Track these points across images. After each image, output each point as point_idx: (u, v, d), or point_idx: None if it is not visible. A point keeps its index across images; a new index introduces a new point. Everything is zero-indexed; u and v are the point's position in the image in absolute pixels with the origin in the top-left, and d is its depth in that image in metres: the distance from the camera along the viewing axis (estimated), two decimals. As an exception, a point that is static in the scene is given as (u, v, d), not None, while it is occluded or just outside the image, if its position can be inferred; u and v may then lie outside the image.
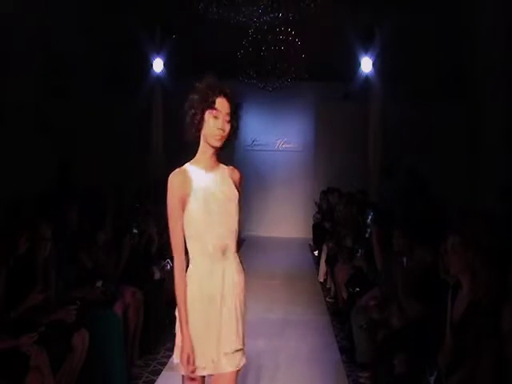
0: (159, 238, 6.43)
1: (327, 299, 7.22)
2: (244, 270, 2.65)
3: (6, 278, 3.36)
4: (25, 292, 3.43)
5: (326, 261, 7.74)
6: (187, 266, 2.56)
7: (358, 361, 4.70)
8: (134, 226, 5.33)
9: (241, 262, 2.63)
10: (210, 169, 2.70)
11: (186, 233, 2.54)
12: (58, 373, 3.35)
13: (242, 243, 11.73)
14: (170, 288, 6.23)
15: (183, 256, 2.56)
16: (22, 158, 7.50)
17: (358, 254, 5.92)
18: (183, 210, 2.56)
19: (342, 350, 5.15)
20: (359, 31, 10.85)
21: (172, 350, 5.13)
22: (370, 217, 5.34)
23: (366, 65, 11.18)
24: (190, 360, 2.45)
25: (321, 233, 9.86)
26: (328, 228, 9.38)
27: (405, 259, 4.11)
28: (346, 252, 6.90)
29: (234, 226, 2.57)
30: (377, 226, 5.13)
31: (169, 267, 6.09)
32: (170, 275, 6.18)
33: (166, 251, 6.65)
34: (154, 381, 4.44)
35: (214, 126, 2.57)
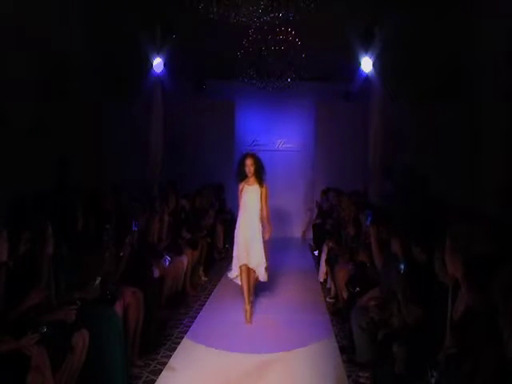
0: (159, 233, 6.53)
1: (327, 299, 7.22)
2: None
3: (6, 277, 3.36)
4: (25, 292, 3.42)
5: (326, 261, 7.73)
6: None
7: (358, 361, 4.70)
8: (135, 226, 5.33)
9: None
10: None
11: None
12: (57, 373, 3.35)
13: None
14: (170, 286, 6.28)
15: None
16: (22, 157, 7.50)
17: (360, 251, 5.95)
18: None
19: (342, 350, 5.15)
20: (359, 31, 10.85)
21: (172, 349, 5.18)
22: (369, 218, 5.34)
23: (366, 65, 11.19)
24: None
25: (321, 233, 9.87)
26: (328, 228, 9.39)
27: (402, 260, 4.11)
28: (346, 252, 6.91)
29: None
30: (376, 226, 5.12)
31: (167, 263, 6.10)
32: (168, 272, 6.20)
33: (165, 249, 6.70)
34: (154, 381, 4.44)
35: None
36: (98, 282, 4.29)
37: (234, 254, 6.25)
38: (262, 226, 6.13)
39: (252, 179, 5.98)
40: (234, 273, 6.33)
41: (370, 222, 5.30)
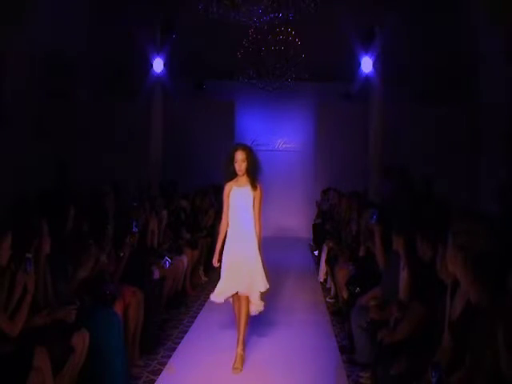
0: (157, 232, 6.53)
1: (327, 299, 7.22)
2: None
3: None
4: (26, 291, 3.42)
5: (326, 261, 7.74)
6: None
7: (358, 361, 4.69)
8: (135, 227, 5.33)
9: None
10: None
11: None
12: (58, 374, 3.34)
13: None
14: (171, 286, 6.27)
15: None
16: (21, 157, 7.51)
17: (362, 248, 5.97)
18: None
19: (342, 350, 5.15)
20: (359, 31, 10.86)
21: (172, 349, 5.16)
22: (374, 217, 5.27)
23: (366, 65, 11.19)
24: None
25: (321, 233, 9.87)
26: (328, 228, 9.39)
27: (403, 259, 4.11)
28: (346, 252, 6.91)
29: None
30: (381, 225, 5.10)
31: (167, 264, 6.08)
32: (168, 272, 6.20)
33: (165, 249, 6.70)
34: (154, 381, 4.43)
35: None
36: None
37: (222, 277, 4.91)
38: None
39: (243, 179, 4.69)
40: (216, 297, 4.95)
41: (375, 220, 5.25)
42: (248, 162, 4.59)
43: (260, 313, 5.02)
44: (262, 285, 4.83)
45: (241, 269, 4.75)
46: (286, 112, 13.45)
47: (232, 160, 4.61)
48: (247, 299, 4.81)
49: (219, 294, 4.89)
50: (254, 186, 4.66)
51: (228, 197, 4.71)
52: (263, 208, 4.89)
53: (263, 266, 4.84)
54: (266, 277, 4.87)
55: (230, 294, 4.85)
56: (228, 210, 4.76)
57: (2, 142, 7.16)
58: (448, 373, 2.68)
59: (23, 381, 3.02)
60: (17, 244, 3.34)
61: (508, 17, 8.31)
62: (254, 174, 4.65)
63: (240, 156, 4.58)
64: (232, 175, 4.68)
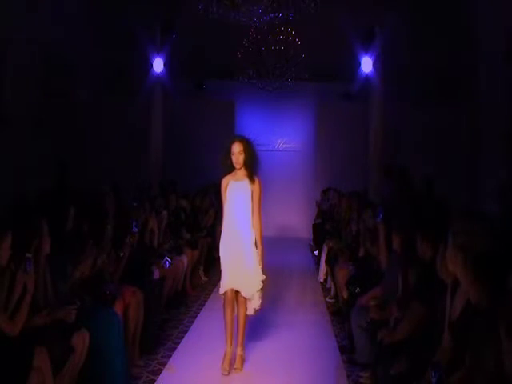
0: (158, 232, 6.52)
1: (327, 299, 7.22)
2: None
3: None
4: (26, 291, 3.42)
5: (326, 261, 7.74)
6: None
7: (358, 361, 4.69)
8: (135, 227, 5.33)
9: None
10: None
11: None
12: (58, 375, 3.34)
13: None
14: (171, 286, 6.26)
15: None
16: (21, 157, 7.51)
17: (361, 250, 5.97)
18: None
19: (342, 350, 5.14)
20: (359, 31, 10.87)
21: (172, 349, 5.16)
22: (380, 215, 5.25)
23: (366, 65, 11.20)
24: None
25: (321, 233, 9.87)
26: (328, 228, 9.39)
27: (404, 259, 4.11)
28: (346, 252, 6.91)
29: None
30: (386, 224, 5.08)
31: (167, 264, 6.08)
32: (168, 272, 6.20)
33: (165, 250, 6.70)
34: (154, 381, 4.43)
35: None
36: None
37: (222, 272, 4.74)
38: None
39: (241, 172, 4.45)
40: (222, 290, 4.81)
41: (380, 219, 5.22)
42: (245, 154, 4.34)
43: (256, 311, 4.81)
44: (259, 283, 4.64)
45: (237, 266, 4.57)
46: (286, 112, 13.45)
47: (229, 153, 4.38)
48: (244, 301, 4.68)
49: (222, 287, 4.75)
50: (251, 180, 4.41)
51: (225, 191, 4.49)
52: (263, 207, 4.69)
53: (262, 263, 4.65)
54: (263, 271, 4.65)
55: (227, 288, 4.63)
56: (225, 204, 4.57)
57: (2, 142, 7.16)
58: (448, 373, 2.68)
59: (23, 381, 3.02)
60: (17, 244, 3.34)
61: (508, 17, 8.31)
62: (251, 167, 4.39)
63: (237, 148, 4.33)
64: (230, 169, 4.45)
